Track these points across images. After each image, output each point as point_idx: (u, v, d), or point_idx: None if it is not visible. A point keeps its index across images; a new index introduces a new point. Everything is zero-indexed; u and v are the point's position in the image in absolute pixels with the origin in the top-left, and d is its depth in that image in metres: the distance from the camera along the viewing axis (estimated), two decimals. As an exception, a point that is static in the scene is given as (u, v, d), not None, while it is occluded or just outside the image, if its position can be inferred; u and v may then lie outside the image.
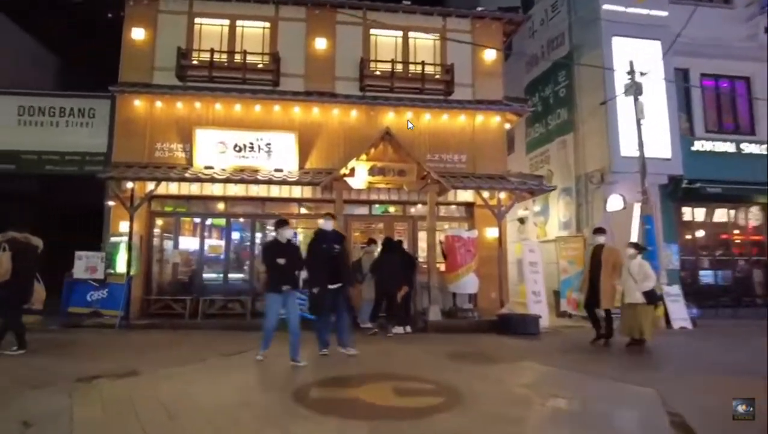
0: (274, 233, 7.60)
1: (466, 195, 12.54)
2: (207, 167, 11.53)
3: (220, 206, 12.28)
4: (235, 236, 12.52)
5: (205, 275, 11.99)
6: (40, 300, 7.59)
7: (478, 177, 12.28)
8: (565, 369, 6.80)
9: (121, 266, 10.96)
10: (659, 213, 13.17)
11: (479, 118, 12.88)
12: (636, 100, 12.16)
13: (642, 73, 12.29)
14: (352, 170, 11.26)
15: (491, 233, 12.41)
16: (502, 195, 12.05)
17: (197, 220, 12.27)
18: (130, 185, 11.13)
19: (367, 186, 11.43)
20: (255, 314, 11.26)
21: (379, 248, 10.97)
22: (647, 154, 12.15)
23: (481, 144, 12.78)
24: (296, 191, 12.01)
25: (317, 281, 7.20)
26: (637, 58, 12.70)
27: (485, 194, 11.92)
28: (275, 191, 11.93)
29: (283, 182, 11.37)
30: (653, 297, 8.65)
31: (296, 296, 7.05)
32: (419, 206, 12.77)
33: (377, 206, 12.73)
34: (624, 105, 12.92)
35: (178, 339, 8.95)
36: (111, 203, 11.50)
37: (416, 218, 12.58)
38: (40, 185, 14.52)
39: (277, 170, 11.68)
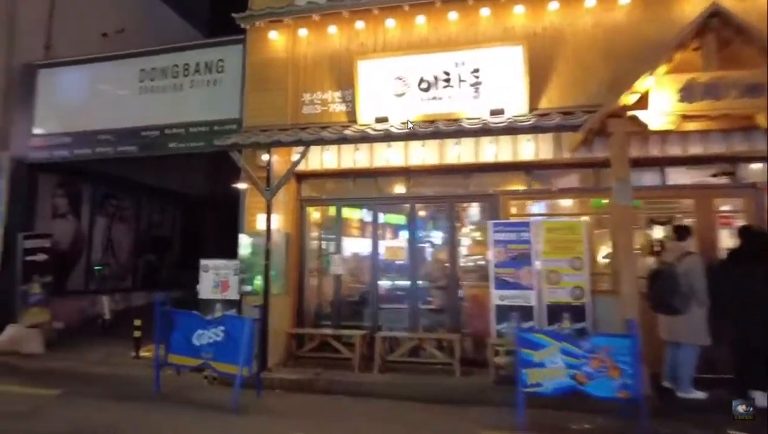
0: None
1: None
2: (379, 120, 7.06)
3: (399, 187, 7.74)
4: (421, 234, 7.87)
5: (380, 294, 7.58)
6: None
7: None
8: None
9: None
10: None
11: None
12: None
13: None
14: (643, 97, 5.78)
15: None
16: None
17: (367, 208, 7.93)
18: (266, 157, 7.21)
19: (676, 124, 5.79)
20: (468, 362, 6.50)
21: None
22: None
23: None
24: (526, 150, 6.87)
25: None
26: None
27: None
28: (488, 153, 6.95)
29: (508, 131, 6.35)
30: None
31: None
32: (760, 165, 6.70)
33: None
34: None
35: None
36: (242, 186, 7.70)
37: (762, 188, 6.51)
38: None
39: (494, 113, 6.70)
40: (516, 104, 6.75)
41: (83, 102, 9.72)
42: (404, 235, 7.72)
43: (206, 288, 7.56)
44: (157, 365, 5.86)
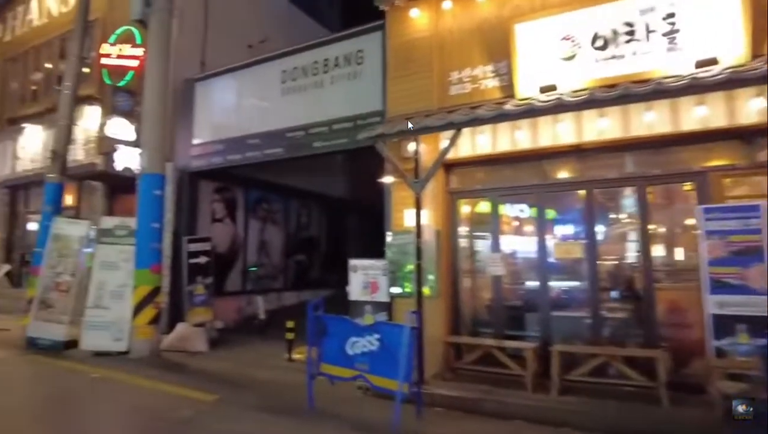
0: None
1: None
2: (544, 90, 5.93)
3: (570, 170, 6.50)
4: (601, 226, 6.50)
5: (550, 298, 6.42)
6: None
7: None
8: None
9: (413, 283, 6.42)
10: None
11: None
12: None
13: None
14: None
15: None
16: None
17: (529, 198, 6.83)
18: (412, 146, 6.53)
19: None
20: (671, 386, 5.08)
21: None
22: None
23: None
24: (749, 111, 5.23)
25: None
26: None
27: None
28: (693, 119, 5.43)
29: (727, 84, 4.78)
30: None
31: None
32: None
33: None
34: None
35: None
36: (388, 180, 7.11)
37: None
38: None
39: (701, 65, 5.17)
40: (730, 52, 5.14)
41: (233, 109, 10.09)
42: (578, 228, 6.47)
43: (356, 289, 7.09)
44: (310, 377, 5.41)
